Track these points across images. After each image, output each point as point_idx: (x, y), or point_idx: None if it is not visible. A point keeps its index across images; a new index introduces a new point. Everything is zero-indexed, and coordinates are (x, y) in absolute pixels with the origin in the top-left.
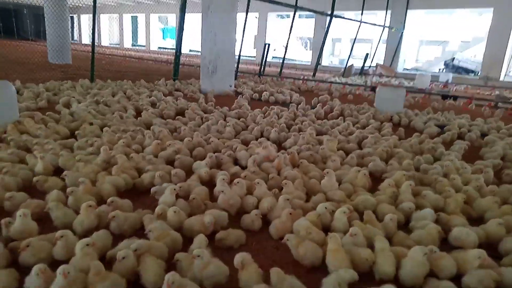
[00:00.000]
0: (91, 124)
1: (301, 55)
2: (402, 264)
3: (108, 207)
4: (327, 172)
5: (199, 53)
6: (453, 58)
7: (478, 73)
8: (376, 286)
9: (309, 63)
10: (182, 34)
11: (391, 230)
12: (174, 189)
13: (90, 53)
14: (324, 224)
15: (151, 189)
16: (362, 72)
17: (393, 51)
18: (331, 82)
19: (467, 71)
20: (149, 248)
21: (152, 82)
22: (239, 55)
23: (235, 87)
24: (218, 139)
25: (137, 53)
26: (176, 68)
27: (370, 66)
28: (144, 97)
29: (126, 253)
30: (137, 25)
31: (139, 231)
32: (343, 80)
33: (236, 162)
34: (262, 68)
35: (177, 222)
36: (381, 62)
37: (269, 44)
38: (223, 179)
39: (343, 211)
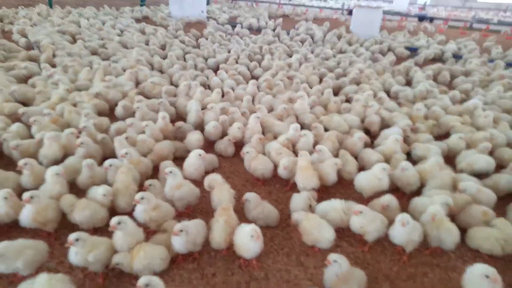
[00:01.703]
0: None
1: None
2: (357, 178)
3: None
4: (300, 96)
5: None
6: None
7: None
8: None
9: None
10: None
11: (359, 148)
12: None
13: None
14: (293, 144)
15: (127, 121)
16: None
17: None
18: (308, 6)
19: None
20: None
21: (117, 8)
22: None
23: (207, 12)
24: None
25: None
26: None
27: None
28: (109, 26)
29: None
30: None
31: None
32: (321, 4)
33: (208, 86)
34: None
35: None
36: None
37: None
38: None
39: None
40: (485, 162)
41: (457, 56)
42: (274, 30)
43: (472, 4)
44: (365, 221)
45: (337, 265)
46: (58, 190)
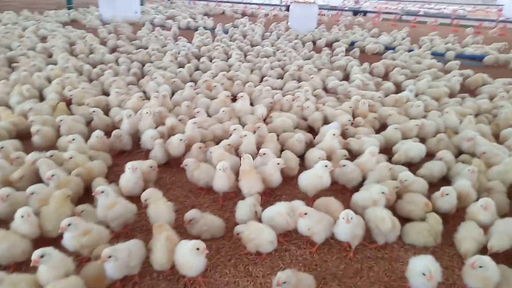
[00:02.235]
0: None
1: None
2: (300, 177)
3: None
4: (241, 96)
5: None
6: None
7: None
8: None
9: None
10: None
11: (299, 149)
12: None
13: None
14: (236, 148)
15: None
16: None
17: None
18: (246, 3)
19: None
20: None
21: (40, 13)
22: None
23: (141, 13)
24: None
25: None
26: None
27: None
28: (31, 32)
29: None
30: None
31: None
32: (259, 0)
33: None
34: None
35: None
36: None
37: None
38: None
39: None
40: (418, 149)
41: (389, 48)
42: (213, 29)
43: None
44: (311, 223)
45: (287, 285)
46: None
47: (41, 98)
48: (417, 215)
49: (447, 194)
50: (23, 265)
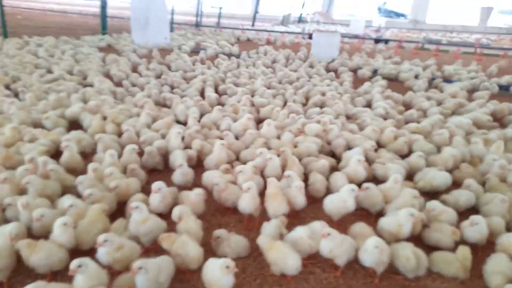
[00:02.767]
0: None
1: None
2: (325, 201)
3: None
4: (268, 124)
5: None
6: (384, 3)
7: (407, 16)
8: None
9: (248, 13)
10: None
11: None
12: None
13: None
14: (261, 171)
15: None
16: (300, 20)
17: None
18: (270, 31)
19: (398, 14)
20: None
21: (77, 38)
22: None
23: (171, 39)
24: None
25: (59, 6)
26: (103, 21)
27: (308, 14)
28: (68, 55)
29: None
30: None
31: None
32: (282, 29)
33: None
34: (199, 19)
35: None
36: (319, 9)
37: None
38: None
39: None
40: (444, 178)
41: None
42: (239, 55)
43: (422, 25)
44: (334, 244)
45: None
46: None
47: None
48: (446, 244)
49: (476, 224)
50: (58, 274)
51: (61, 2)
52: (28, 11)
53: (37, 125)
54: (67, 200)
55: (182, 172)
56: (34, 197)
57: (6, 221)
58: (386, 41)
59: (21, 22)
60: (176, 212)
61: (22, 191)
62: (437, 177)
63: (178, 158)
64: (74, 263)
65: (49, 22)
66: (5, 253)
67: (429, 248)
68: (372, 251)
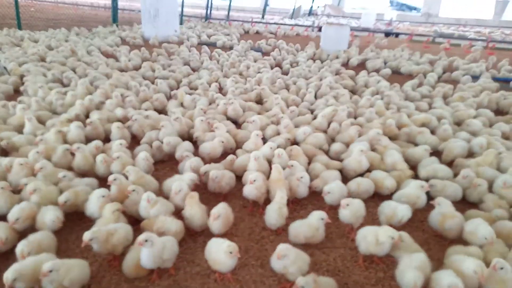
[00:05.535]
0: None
1: None
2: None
3: None
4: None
5: None
6: None
7: (419, 9)
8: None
9: (258, 6)
10: None
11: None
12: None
13: None
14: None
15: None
16: (311, 13)
17: None
18: (280, 24)
19: (410, 8)
20: None
21: (90, 30)
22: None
23: (181, 32)
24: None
25: None
26: (114, 13)
27: (318, 7)
28: (81, 47)
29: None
30: None
31: None
32: (292, 21)
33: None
34: (209, 11)
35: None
36: (330, 2)
37: None
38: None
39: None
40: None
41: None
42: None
43: (435, 19)
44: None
45: None
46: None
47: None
48: None
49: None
50: None
51: None
52: (41, 4)
53: None
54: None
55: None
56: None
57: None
58: (397, 35)
59: (34, 14)
60: (176, 187)
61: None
62: (439, 170)
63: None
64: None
65: (61, 14)
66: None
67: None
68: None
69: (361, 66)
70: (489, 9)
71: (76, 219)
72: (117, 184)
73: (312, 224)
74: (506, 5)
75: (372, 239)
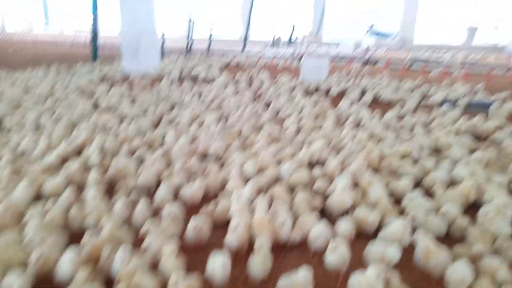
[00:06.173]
0: None
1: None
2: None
3: None
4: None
5: None
6: (372, 25)
7: (394, 37)
8: None
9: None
10: (97, 13)
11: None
12: None
13: None
14: None
15: None
16: (290, 41)
17: (319, 22)
18: (260, 57)
19: (384, 35)
20: None
21: (70, 67)
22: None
23: (161, 66)
24: None
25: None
26: (94, 50)
27: (296, 38)
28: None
29: None
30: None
31: None
32: (272, 53)
33: None
34: (189, 45)
35: None
36: (309, 31)
37: (193, 21)
38: None
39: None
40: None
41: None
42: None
43: (410, 45)
44: None
45: None
46: None
47: None
48: None
49: None
50: None
51: (52, 34)
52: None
53: None
54: None
55: None
56: None
57: None
58: (375, 62)
59: (12, 56)
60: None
61: None
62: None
63: None
64: None
65: (40, 54)
66: None
67: None
68: None
69: (341, 95)
70: (460, 35)
71: None
72: None
73: None
74: (475, 31)
75: None
